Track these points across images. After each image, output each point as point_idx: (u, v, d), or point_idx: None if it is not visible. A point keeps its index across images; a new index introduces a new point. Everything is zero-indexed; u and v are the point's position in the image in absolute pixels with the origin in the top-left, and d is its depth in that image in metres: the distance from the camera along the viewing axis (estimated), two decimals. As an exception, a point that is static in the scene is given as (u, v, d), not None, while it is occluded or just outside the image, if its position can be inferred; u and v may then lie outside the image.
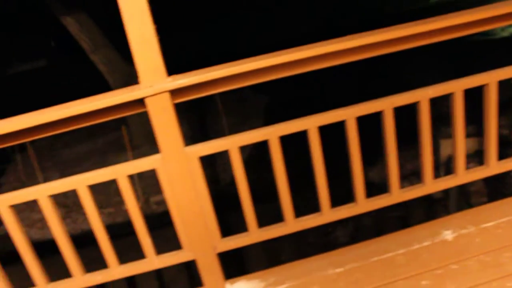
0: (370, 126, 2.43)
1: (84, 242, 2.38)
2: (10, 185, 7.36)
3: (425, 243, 2.14)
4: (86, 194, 1.90)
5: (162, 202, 5.72)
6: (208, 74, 1.76)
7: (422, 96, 1.98)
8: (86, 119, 1.80)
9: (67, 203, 6.04)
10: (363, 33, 1.84)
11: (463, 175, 2.16)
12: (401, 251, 2.13)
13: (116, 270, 2.04)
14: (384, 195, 2.14)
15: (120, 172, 1.89)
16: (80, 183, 1.89)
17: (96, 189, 1.92)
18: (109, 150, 7.91)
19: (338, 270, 2.09)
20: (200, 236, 1.99)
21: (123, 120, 7.35)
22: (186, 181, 1.89)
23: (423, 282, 1.93)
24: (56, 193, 1.90)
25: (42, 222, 5.76)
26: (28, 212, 5.98)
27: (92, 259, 2.21)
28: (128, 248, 2.39)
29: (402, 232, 2.26)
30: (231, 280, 2.14)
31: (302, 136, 1.98)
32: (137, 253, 2.10)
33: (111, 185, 2.01)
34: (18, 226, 1.92)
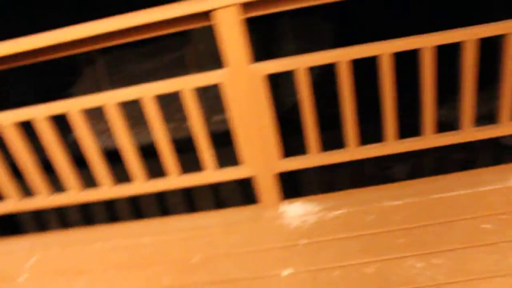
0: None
1: (145, 154, 2.44)
2: (78, 95, 7.66)
3: (493, 187, 2.03)
4: (151, 103, 1.94)
5: (223, 122, 5.78)
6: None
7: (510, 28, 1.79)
8: (152, 29, 1.78)
9: (134, 115, 6.21)
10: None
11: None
12: (465, 191, 2.03)
13: (176, 179, 2.11)
14: (455, 132, 2.02)
15: (185, 84, 1.90)
16: (146, 92, 1.93)
17: (159, 106, 1.95)
18: (174, 68, 8.00)
19: (396, 202, 2.04)
20: (260, 154, 2.00)
21: (188, 38, 7.33)
22: (251, 98, 1.87)
23: (484, 226, 1.84)
24: (122, 100, 1.95)
25: (107, 133, 5.99)
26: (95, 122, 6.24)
27: (151, 171, 2.28)
28: (188, 164, 2.43)
29: (468, 172, 2.15)
30: (288, 200, 2.16)
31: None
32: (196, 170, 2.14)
33: (174, 102, 2.03)
34: (87, 129, 2.00)
